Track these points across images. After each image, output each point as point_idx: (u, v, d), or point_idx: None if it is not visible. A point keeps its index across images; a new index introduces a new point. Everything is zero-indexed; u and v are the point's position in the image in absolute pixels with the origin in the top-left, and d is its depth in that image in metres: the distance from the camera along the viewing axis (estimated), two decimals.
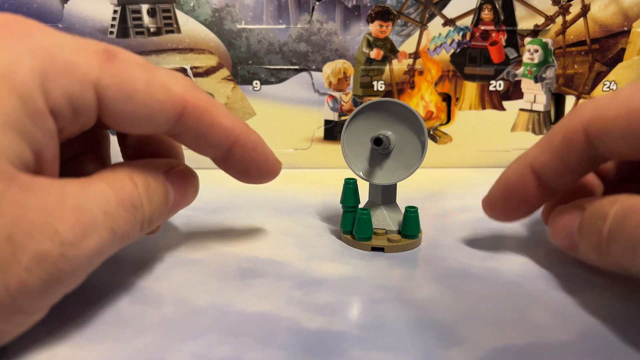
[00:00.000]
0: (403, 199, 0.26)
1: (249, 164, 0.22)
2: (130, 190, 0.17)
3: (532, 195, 0.21)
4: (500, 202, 0.22)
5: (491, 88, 0.40)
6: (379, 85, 0.39)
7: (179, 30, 0.38)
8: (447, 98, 0.40)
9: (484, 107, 0.40)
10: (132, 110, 0.17)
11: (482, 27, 0.38)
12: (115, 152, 0.23)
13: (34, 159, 0.15)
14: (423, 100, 0.40)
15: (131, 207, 0.17)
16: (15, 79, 0.14)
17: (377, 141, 0.23)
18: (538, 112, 0.40)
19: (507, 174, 0.22)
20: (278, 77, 0.39)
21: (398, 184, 0.25)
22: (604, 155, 0.19)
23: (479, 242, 0.26)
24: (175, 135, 0.19)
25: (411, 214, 0.24)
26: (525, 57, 0.39)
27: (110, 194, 0.16)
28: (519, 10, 0.38)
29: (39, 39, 0.16)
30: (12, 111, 0.14)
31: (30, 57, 0.15)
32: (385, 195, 0.25)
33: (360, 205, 0.26)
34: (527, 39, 0.39)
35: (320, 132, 0.40)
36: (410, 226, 0.24)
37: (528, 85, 0.40)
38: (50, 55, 0.15)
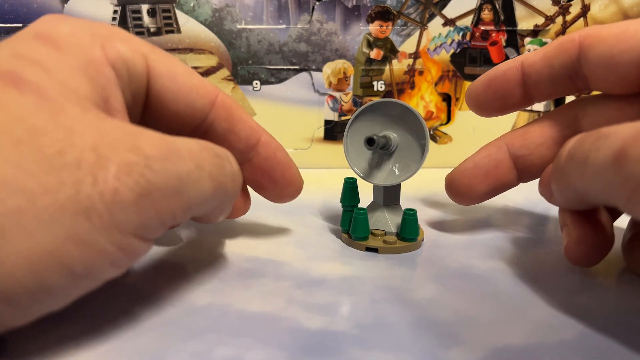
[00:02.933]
0: (403, 199, 0.26)
1: (272, 168, 0.22)
2: (213, 145, 0.18)
3: (511, 89, 0.23)
4: (480, 88, 0.23)
5: None
6: (379, 85, 0.39)
7: (179, 30, 0.38)
8: (447, 98, 0.40)
9: None
10: (175, 89, 0.19)
11: (482, 27, 0.38)
12: None
13: (103, 103, 0.16)
14: (423, 100, 0.40)
15: (215, 155, 0.17)
16: (78, 39, 0.16)
17: (370, 141, 0.23)
18: (538, 112, 0.40)
19: (498, 65, 0.23)
20: (278, 77, 0.39)
21: None
22: (586, 77, 0.21)
23: (479, 242, 0.26)
24: (207, 128, 0.20)
25: (410, 216, 0.24)
26: None
27: (193, 142, 0.17)
28: (519, 10, 0.38)
29: (96, 24, 0.18)
30: (76, 60, 0.16)
31: (90, 30, 0.17)
32: (387, 196, 0.25)
33: (364, 206, 0.26)
34: (527, 39, 0.39)
35: (320, 132, 0.40)
36: (408, 229, 0.24)
37: None
38: (107, 31, 0.18)
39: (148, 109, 0.19)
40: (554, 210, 0.31)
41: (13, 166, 0.13)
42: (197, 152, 0.16)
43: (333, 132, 0.40)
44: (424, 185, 0.36)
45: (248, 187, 0.24)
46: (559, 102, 0.40)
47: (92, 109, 0.15)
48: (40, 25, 0.16)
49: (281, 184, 0.23)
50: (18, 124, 0.14)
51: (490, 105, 0.23)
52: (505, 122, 0.40)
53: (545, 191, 0.21)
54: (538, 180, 0.24)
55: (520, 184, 0.37)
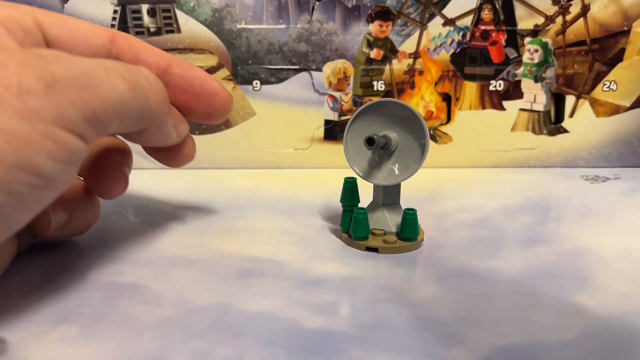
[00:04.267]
0: (403, 199, 0.26)
1: (190, 83, 0.22)
2: (116, 63, 0.18)
3: None
4: None
5: (491, 88, 0.40)
6: (379, 85, 0.39)
7: (179, 30, 0.38)
8: (447, 98, 0.40)
9: (484, 107, 0.40)
10: (70, 33, 0.20)
11: (482, 27, 0.38)
12: None
13: None
14: (423, 100, 0.40)
15: (124, 63, 0.18)
16: None
17: (370, 141, 0.23)
18: (538, 112, 0.40)
19: None
20: (278, 77, 0.39)
21: None
22: None
23: (479, 242, 0.26)
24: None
25: (409, 216, 0.24)
26: (525, 57, 0.39)
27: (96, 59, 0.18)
28: (519, 10, 0.38)
29: None
30: None
31: None
32: (387, 196, 0.25)
33: (364, 205, 0.26)
34: (527, 39, 0.39)
35: (320, 132, 0.40)
36: (407, 229, 0.24)
37: (528, 85, 0.40)
38: None
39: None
40: (554, 210, 0.31)
41: None
42: (101, 60, 0.17)
43: (333, 132, 0.40)
44: (424, 185, 0.36)
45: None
46: (558, 102, 0.40)
47: None
48: None
49: (204, 97, 0.23)
50: None
51: None
52: (505, 122, 0.40)
53: None
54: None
55: (521, 184, 0.37)
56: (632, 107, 0.40)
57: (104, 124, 0.16)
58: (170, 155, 0.23)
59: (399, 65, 0.39)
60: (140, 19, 0.37)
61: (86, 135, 0.16)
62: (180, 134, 0.22)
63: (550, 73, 0.39)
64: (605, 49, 0.39)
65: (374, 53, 0.39)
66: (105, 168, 0.22)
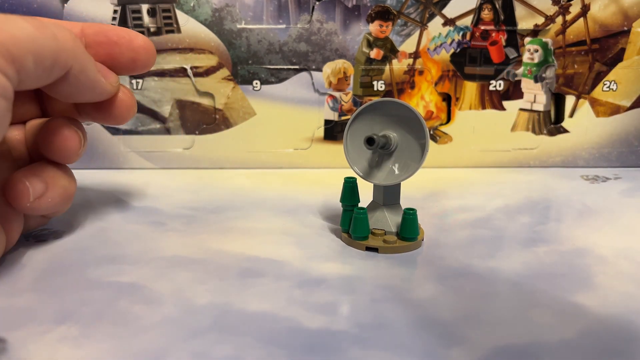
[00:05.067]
0: (403, 199, 0.26)
1: (105, 35, 0.23)
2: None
3: None
4: None
5: (491, 88, 0.40)
6: (379, 85, 0.39)
7: (179, 30, 0.38)
8: (447, 98, 0.40)
9: (484, 107, 0.40)
10: None
11: (482, 27, 0.38)
12: None
13: None
14: (423, 100, 0.40)
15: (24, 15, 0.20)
16: None
17: (370, 141, 0.23)
18: (538, 111, 0.40)
19: None
20: (278, 77, 0.39)
21: None
22: None
23: (479, 242, 0.26)
24: None
25: (409, 216, 0.24)
26: (525, 57, 0.39)
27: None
28: (519, 10, 0.38)
29: None
30: None
31: None
32: (387, 195, 0.25)
33: (364, 205, 0.26)
34: (527, 39, 0.39)
35: (320, 132, 0.40)
36: (407, 228, 0.24)
37: (528, 85, 0.40)
38: None
39: None
40: (554, 210, 0.31)
41: None
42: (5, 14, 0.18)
43: (333, 132, 0.40)
44: (424, 185, 0.36)
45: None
46: (558, 101, 0.40)
47: None
48: None
49: (124, 43, 0.24)
50: None
51: None
52: (505, 122, 0.40)
53: None
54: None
55: (521, 184, 0.37)
56: (632, 107, 0.40)
57: (19, 60, 0.18)
58: (110, 108, 0.24)
59: (399, 65, 0.39)
60: (140, 19, 0.37)
61: (6, 71, 0.17)
62: (112, 82, 0.23)
63: (550, 73, 0.39)
64: (605, 49, 0.39)
65: (374, 53, 0.39)
66: (57, 130, 0.23)
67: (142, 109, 0.39)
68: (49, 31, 0.19)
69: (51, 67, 0.19)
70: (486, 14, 0.38)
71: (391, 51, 0.39)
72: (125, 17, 0.37)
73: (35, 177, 0.22)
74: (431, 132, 0.41)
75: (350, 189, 0.26)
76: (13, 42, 0.17)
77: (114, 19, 0.37)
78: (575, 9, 0.38)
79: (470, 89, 0.40)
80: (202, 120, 0.39)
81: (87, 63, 0.21)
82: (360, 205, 0.26)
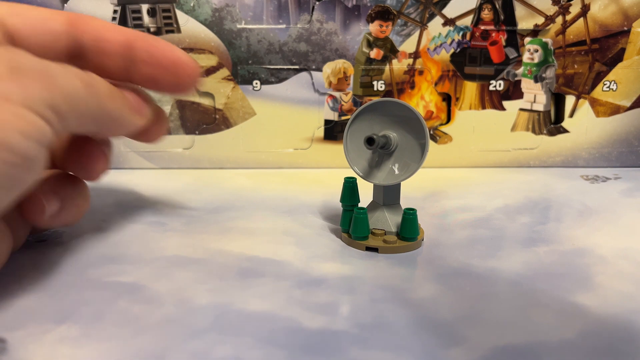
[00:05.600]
0: (403, 199, 0.26)
1: (151, 54, 0.22)
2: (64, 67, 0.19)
3: None
4: None
5: (491, 88, 0.40)
6: (379, 85, 0.39)
7: (179, 30, 0.38)
8: (447, 98, 0.40)
9: (484, 107, 0.40)
10: (26, 21, 0.20)
11: (482, 27, 0.38)
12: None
13: None
14: (423, 100, 0.40)
15: (77, 69, 0.19)
16: None
17: (370, 141, 0.23)
18: (538, 111, 0.40)
19: None
20: (278, 77, 0.39)
21: None
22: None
23: (479, 242, 0.26)
24: (80, 49, 0.21)
25: (409, 216, 0.24)
26: (525, 57, 0.39)
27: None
28: (519, 10, 0.38)
29: None
30: None
31: None
32: (387, 195, 0.25)
33: (364, 205, 0.26)
34: (527, 39, 0.39)
35: (320, 132, 0.40)
36: (407, 228, 0.24)
37: (528, 85, 0.40)
38: None
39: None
40: (554, 210, 0.31)
41: None
42: (60, 64, 0.18)
43: (333, 132, 0.40)
44: (424, 185, 0.36)
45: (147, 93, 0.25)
46: (558, 101, 0.40)
47: None
48: None
49: (169, 67, 0.23)
50: None
51: None
52: (505, 122, 0.40)
53: None
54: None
55: (521, 184, 0.37)
56: (632, 107, 0.40)
57: (63, 115, 0.18)
58: (144, 134, 0.24)
59: (399, 65, 0.39)
60: (140, 19, 0.37)
61: (51, 121, 0.17)
62: (145, 115, 0.23)
63: (550, 73, 0.39)
64: (605, 49, 0.39)
65: (374, 53, 0.39)
66: (84, 149, 0.23)
67: None
68: (94, 89, 0.19)
69: (88, 123, 0.20)
70: (486, 14, 0.38)
71: (391, 51, 0.39)
72: (125, 17, 0.37)
73: (53, 194, 0.22)
74: (431, 132, 0.41)
75: (350, 189, 0.26)
76: (62, 97, 0.18)
77: (113, 19, 0.37)
78: (575, 9, 0.38)
79: (470, 89, 0.40)
80: (202, 120, 0.39)
81: (122, 112, 0.21)
82: (360, 205, 0.26)
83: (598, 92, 0.40)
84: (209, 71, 0.38)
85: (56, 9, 0.22)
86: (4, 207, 0.17)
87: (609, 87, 0.39)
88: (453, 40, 0.39)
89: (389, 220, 0.25)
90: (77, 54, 0.22)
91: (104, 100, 0.20)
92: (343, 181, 0.26)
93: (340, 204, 0.26)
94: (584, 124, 0.40)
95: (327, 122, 0.40)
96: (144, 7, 0.37)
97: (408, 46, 0.39)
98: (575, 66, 0.39)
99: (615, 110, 0.40)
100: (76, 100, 0.18)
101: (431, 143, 0.40)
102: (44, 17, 0.21)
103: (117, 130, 0.22)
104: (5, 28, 0.20)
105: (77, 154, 0.23)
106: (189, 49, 0.38)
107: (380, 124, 0.24)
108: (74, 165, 0.23)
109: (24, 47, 0.20)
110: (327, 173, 0.39)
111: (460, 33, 0.39)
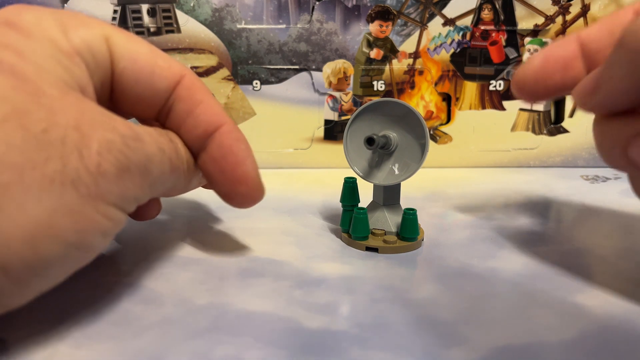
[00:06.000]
0: (403, 199, 0.26)
1: (224, 158, 0.20)
2: (167, 131, 0.19)
3: (570, 61, 0.21)
4: (539, 65, 0.21)
5: (491, 88, 0.40)
6: (379, 85, 0.39)
7: (179, 30, 0.38)
8: (447, 98, 0.40)
9: (484, 107, 0.40)
10: (137, 70, 0.19)
11: (482, 27, 0.38)
12: None
13: (77, 88, 0.17)
14: (423, 100, 0.40)
15: (170, 140, 0.19)
16: (44, 28, 0.16)
17: (370, 141, 0.23)
18: (538, 111, 0.40)
19: (552, 44, 0.22)
20: (278, 77, 0.39)
21: None
22: None
23: (479, 242, 0.26)
24: (169, 110, 0.20)
25: (409, 216, 0.24)
26: (525, 57, 0.39)
27: (150, 128, 0.18)
28: (519, 10, 0.38)
29: (58, 12, 0.18)
30: (46, 48, 0.16)
31: (53, 17, 0.17)
32: (387, 195, 0.25)
33: (364, 205, 0.26)
34: (527, 39, 0.39)
35: (320, 132, 0.40)
36: (407, 229, 0.24)
37: None
38: (69, 18, 0.18)
39: (111, 92, 0.19)
40: (553, 211, 0.31)
41: (1, 144, 0.13)
42: (156, 136, 0.18)
43: (333, 132, 0.40)
44: (424, 185, 0.36)
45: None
46: (558, 101, 0.40)
47: (70, 91, 0.16)
48: (3, 13, 0.16)
49: (230, 180, 0.20)
50: (1, 104, 0.14)
51: (547, 83, 0.21)
52: (505, 122, 0.40)
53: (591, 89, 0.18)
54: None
55: (521, 184, 0.37)
56: None
57: (146, 198, 0.18)
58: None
59: (399, 65, 0.39)
60: (140, 18, 0.37)
61: (130, 210, 0.17)
62: (194, 186, 0.22)
63: None
64: None
65: (374, 53, 0.39)
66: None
67: None
68: (178, 170, 0.19)
69: (157, 190, 0.19)
70: (486, 14, 0.38)
71: (391, 51, 0.39)
72: (125, 17, 0.37)
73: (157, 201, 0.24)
74: (431, 132, 0.41)
75: (350, 189, 0.26)
76: (150, 188, 0.17)
77: (113, 19, 0.37)
78: (575, 9, 0.38)
79: (470, 89, 0.40)
80: None
81: (188, 184, 0.21)
82: (360, 205, 0.26)
83: None
84: (209, 71, 0.38)
85: (56, 7, 0.21)
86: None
87: None
88: (453, 40, 0.39)
89: (389, 221, 0.25)
90: (165, 113, 0.20)
91: (182, 179, 0.20)
92: (343, 181, 0.26)
93: (340, 204, 0.26)
94: (584, 124, 0.40)
95: (327, 122, 0.40)
96: (144, 7, 0.37)
97: (408, 46, 0.39)
98: None
99: None
100: (159, 184, 0.18)
101: (431, 143, 0.40)
102: (155, 71, 0.19)
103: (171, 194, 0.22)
104: (114, 70, 0.19)
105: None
106: (189, 49, 0.38)
107: (380, 124, 0.24)
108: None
109: (121, 96, 0.19)
110: (327, 173, 0.39)
111: (460, 33, 0.39)
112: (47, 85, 0.15)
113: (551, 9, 0.38)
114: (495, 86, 0.40)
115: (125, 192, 0.16)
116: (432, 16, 0.38)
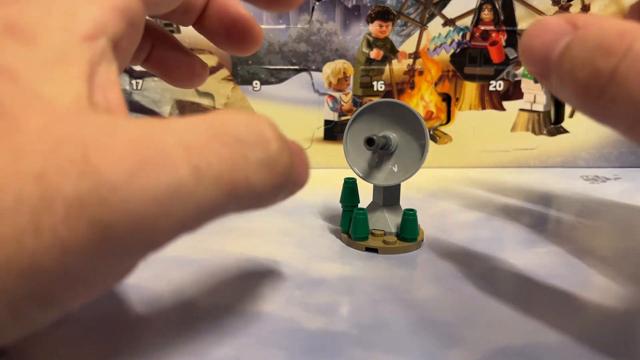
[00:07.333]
0: (403, 199, 0.26)
1: (229, 15, 0.21)
2: (235, 126, 0.13)
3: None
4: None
5: (491, 88, 0.40)
6: (379, 85, 0.39)
7: (179, 30, 0.38)
8: (447, 98, 0.40)
9: (484, 107, 0.40)
10: None
11: (482, 27, 0.38)
12: None
13: (86, 83, 0.12)
14: (423, 100, 0.40)
15: (233, 142, 0.12)
16: (51, 20, 0.13)
17: (370, 141, 0.23)
18: (538, 112, 0.40)
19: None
20: (278, 77, 0.39)
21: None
22: None
23: (479, 242, 0.26)
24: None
25: (409, 217, 0.24)
26: None
27: (199, 129, 0.12)
28: (519, 10, 0.38)
29: None
30: (51, 53, 0.12)
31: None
32: (387, 196, 0.25)
33: (364, 206, 0.26)
34: None
35: (320, 132, 0.40)
36: (407, 229, 0.24)
37: (528, 85, 0.40)
38: None
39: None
40: (554, 211, 0.31)
41: None
42: (198, 146, 0.12)
43: (333, 132, 0.40)
44: (424, 185, 0.36)
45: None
46: (558, 102, 0.40)
47: (57, 111, 0.12)
48: (7, 11, 0.13)
49: (238, 36, 0.21)
50: None
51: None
52: (505, 122, 0.40)
53: (537, 67, 0.15)
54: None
55: (521, 184, 0.37)
56: None
57: (165, 245, 0.13)
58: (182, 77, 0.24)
59: (398, 66, 0.39)
60: None
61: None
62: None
63: None
64: None
65: (374, 53, 0.39)
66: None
67: (142, 109, 0.39)
68: (242, 187, 0.13)
69: (200, 224, 0.14)
70: (486, 14, 0.38)
71: (391, 51, 0.39)
72: None
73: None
74: (431, 132, 0.41)
75: (350, 189, 0.26)
76: (174, 225, 0.12)
77: None
78: (575, 9, 0.38)
79: (470, 89, 0.40)
80: None
81: (274, 193, 0.15)
82: (360, 205, 0.26)
83: None
84: (209, 71, 0.38)
85: None
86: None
87: None
88: (453, 40, 0.39)
89: (389, 221, 0.25)
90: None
91: (261, 194, 0.14)
92: (343, 182, 0.26)
93: (340, 204, 0.26)
94: (584, 124, 0.40)
95: (327, 122, 0.40)
96: None
97: (408, 46, 0.39)
98: None
99: None
100: (201, 220, 0.13)
101: (431, 143, 0.40)
102: None
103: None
104: None
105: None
106: (189, 49, 0.38)
107: (380, 125, 0.24)
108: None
109: None
110: (327, 173, 0.39)
111: (460, 33, 0.39)
112: (31, 113, 0.11)
113: (551, 9, 0.38)
114: (495, 86, 0.40)
115: (111, 265, 0.12)
116: (432, 16, 0.38)
